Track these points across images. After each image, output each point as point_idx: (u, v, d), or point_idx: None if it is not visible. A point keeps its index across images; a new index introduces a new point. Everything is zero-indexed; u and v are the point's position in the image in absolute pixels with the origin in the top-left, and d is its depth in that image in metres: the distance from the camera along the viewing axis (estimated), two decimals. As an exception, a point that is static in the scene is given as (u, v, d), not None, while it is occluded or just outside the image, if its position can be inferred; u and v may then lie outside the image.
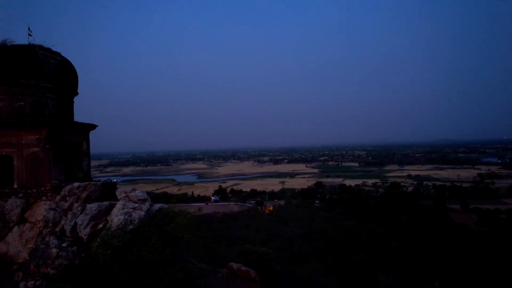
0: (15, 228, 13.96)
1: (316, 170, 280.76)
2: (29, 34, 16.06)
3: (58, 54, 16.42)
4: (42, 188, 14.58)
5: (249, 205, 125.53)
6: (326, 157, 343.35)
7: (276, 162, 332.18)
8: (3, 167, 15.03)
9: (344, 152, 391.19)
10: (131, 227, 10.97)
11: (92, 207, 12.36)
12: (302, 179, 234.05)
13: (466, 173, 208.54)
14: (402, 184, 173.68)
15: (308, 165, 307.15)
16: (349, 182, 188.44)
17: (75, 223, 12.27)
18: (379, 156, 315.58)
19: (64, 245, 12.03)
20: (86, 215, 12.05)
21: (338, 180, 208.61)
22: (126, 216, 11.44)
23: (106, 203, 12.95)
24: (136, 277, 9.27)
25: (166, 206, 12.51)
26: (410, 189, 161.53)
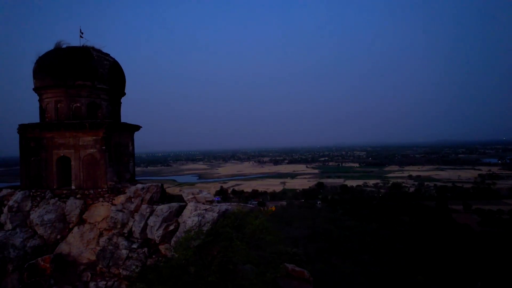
0: (75, 229, 14.33)
1: (316, 171, 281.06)
2: (81, 36, 16.13)
3: (109, 55, 16.58)
4: (99, 189, 14.74)
5: (251, 205, 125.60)
6: (326, 158, 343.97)
7: (277, 162, 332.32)
8: (61, 168, 15.52)
9: (344, 152, 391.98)
10: (205, 228, 11.35)
11: (163, 208, 12.58)
12: (303, 180, 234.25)
13: (467, 174, 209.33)
14: (403, 184, 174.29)
15: (308, 166, 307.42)
16: (350, 183, 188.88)
17: (145, 225, 12.56)
18: (379, 157, 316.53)
19: (134, 246, 12.23)
20: (158, 216, 12.29)
21: (339, 181, 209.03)
22: (200, 218, 11.62)
23: (175, 204, 13.17)
24: (224, 278, 9.72)
25: (230, 207, 12.93)
26: (412, 189, 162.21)
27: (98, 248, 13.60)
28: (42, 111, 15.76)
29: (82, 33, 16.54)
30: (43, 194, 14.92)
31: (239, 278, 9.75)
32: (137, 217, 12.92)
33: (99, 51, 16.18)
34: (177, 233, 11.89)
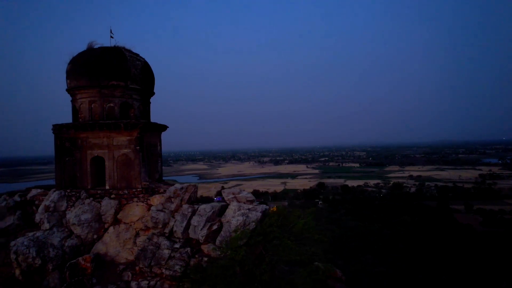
0: (111, 229, 14.37)
1: (317, 171, 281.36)
2: (111, 36, 16.17)
3: (139, 55, 16.61)
4: (133, 190, 14.79)
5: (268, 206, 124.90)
6: (326, 158, 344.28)
7: (277, 163, 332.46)
8: (94, 168, 15.57)
9: (344, 153, 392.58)
10: (249, 227, 11.41)
11: (206, 208, 12.61)
12: (303, 180, 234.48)
13: (467, 174, 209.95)
14: (404, 185, 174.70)
15: (308, 166, 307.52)
16: (351, 183, 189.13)
17: (187, 225, 12.68)
18: (379, 157, 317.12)
19: (176, 246, 12.26)
20: (201, 216, 12.35)
21: (340, 181, 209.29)
22: (244, 217, 11.68)
23: (217, 204, 13.23)
24: (276, 277, 9.80)
25: (267, 206, 13.00)
26: (413, 190, 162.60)
27: (136, 248, 13.68)
28: (76, 111, 15.82)
29: (112, 34, 16.63)
30: (78, 194, 15.00)
31: (292, 277, 9.83)
32: (178, 217, 12.98)
33: (130, 51, 16.24)
34: (222, 232, 11.96)
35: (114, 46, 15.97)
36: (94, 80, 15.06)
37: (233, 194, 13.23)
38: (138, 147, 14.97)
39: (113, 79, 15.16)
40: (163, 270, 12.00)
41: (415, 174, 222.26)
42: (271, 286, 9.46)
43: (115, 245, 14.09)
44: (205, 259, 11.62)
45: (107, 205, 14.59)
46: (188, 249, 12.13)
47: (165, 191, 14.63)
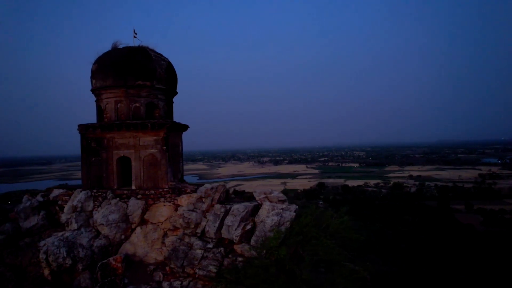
0: (138, 229, 14.36)
1: (317, 171, 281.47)
2: (134, 36, 16.17)
3: (162, 55, 16.56)
4: (160, 190, 14.78)
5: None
6: (326, 158, 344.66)
7: (276, 163, 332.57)
8: (120, 168, 15.55)
9: (343, 152, 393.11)
10: (283, 227, 11.48)
11: (239, 208, 12.63)
12: (303, 180, 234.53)
13: (467, 174, 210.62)
14: (404, 184, 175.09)
15: (308, 166, 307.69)
16: (351, 183, 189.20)
17: (221, 224, 12.67)
18: (379, 157, 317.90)
19: (209, 246, 12.27)
20: (235, 216, 12.37)
21: (340, 181, 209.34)
22: (279, 217, 11.71)
23: (249, 204, 13.25)
24: (317, 277, 9.86)
25: (296, 206, 13.04)
26: (413, 189, 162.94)
27: (164, 248, 13.70)
28: (100, 111, 15.84)
29: (135, 33, 16.63)
30: (104, 194, 15.01)
31: (332, 276, 9.88)
32: (210, 217, 13.00)
33: (154, 51, 16.25)
34: (256, 232, 12.00)
35: (139, 46, 15.96)
36: (120, 80, 15.06)
37: (265, 194, 13.27)
38: (164, 147, 15.00)
39: (139, 79, 15.17)
40: (196, 270, 12.02)
41: (415, 174, 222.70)
42: (312, 286, 9.51)
43: (143, 245, 14.09)
44: (240, 259, 11.65)
45: (134, 205, 14.61)
46: (222, 249, 12.15)
47: (192, 191, 14.67)
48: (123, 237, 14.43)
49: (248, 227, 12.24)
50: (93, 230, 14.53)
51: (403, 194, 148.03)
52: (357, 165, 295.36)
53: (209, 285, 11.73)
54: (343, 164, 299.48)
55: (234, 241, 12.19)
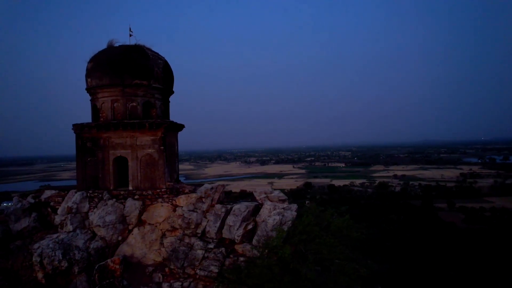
0: (135, 230, 14.12)
1: (303, 171, 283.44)
2: (130, 34, 15.85)
3: (159, 54, 16.33)
4: (158, 190, 14.59)
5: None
6: (312, 158, 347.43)
7: (263, 163, 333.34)
8: (117, 168, 15.21)
9: (329, 152, 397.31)
10: (285, 227, 11.50)
11: (241, 208, 12.57)
12: (290, 180, 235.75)
13: (449, 173, 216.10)
14: (389, 184, 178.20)
15: (295, 166, 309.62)
16: (337, 183, 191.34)
17: (222, 225, 12.57)
18: (365, 157, 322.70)
19: (210, 246, 12.19)
20: (236, 216, 12.29)
21: (326, 181, 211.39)
22: (280, 217, 11.72)
23: (250, 203, 13.19)
24: (321, 275, 9.91)
25: (297, 205, 13.08)
26: (398, 189, 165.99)
27: (163, 249, 13.54)
28: (96, 110, 15.51)
29: (131, 32, 16.36)
30: (100, 195, 14.71)
31: (337, 274, 9.97)
32: (211, 217, 12.90)
33: (150, 49, 16.02)
34: (258, 232, 11.98)
35: (136, 44, 15.71)
36: (117, 79, 14.77)
37: (265, 193, 13.28)
38: (162, 147, 14.80)
39: (136, 78, 14.92)
40: (197, 271, 11.92)
41: (399, 173, 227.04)
42: (316, 284, 9.57)
43: (141, 246, 13.88)
44: (241, 259, 11.61)
45: (131, 206, 14.37)
46: (223, 249, 12.08)
47: (190, 191, 14.53)
48: (120, 238, 14.18)
49: (250, 227, 12.21)
50: (89, 231, 14.22)
51: (388, 193, 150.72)
52: (343, 165, 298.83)
53: (210, 286, 11.65)
54: (329, 164, 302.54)
55: (236, 241, 12.14)
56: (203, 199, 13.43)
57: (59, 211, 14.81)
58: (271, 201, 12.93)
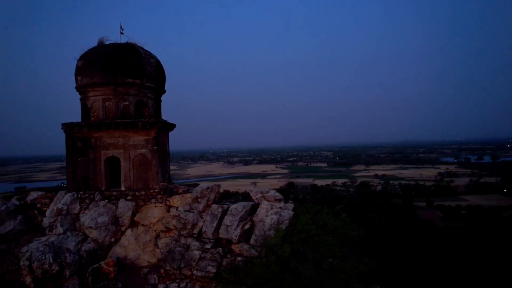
0: (128, 232, 13.86)
1: (286, 171, 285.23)
2: (121, 32, 15.54)
3: (151, 53, 16.09)
4: (151, 190, 14.40)
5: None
6: (295, 158, 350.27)
7: (246, 163, 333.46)
8: (108, 168, 14.88)
9: (312, 153, 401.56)
10: (283, 226, 11.50)
11: (238, 207, 12.54)
12: (273, 180, 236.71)
13: (428, 172, 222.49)
14: (370, 183, 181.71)
15: (278, 166, 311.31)
16: (320, 182, 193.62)
17: (219, 225, 12.47)
18: (346, 157, 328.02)
19: (207, 246, 12.09)
20: (234, 216, 12.25)
21: (309, 181, 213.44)
22: (277, 216, 11.73)
23: (247, 203, 13.19)
24: (320, 274, 10.01)
25: (293, 205, 13.15)
26: (379, 188, 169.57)
27: (157, 250, 13.36)
28: (87, 109, 15.13)
29: (122, 30, 16.06)
30: (91, 196, 14.37)
31: (336, 273, 10.12)
32: (207, 217, 12.81)
33: (143, 48, 15.78)
34: (256, 231, 11.98)
35: (128, 42, 15.43)
36: (109, 77, 14.46)
37: (261, 193, 13.32)
38: (155, 147, 14.60)
39: (129, 77, 14.66)
40: (194, 272, 11.82)
41: (380, 173, 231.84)
42: (316, 283, 9.69)
43: (135, 248, 13.65)
44: (239, 258, 11.59)
45: (124, 207, 14.10)
46: (220, 249, 12.03)
47: (184, 191, 14.41)
48: (112, 240, 13.88)
49: (247, 226, 12.22)
50: (80, 233, 13.85)
51: (370, 192, 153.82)
52: (325, 165, 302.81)
53: (207, 286, 11.59)
54: (312, 164, 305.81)
55: (233, 240, 12.12)
56: (199, 199, 13.34)
57: (47, 213, 14.37)
58: (267, 200, 12.98)
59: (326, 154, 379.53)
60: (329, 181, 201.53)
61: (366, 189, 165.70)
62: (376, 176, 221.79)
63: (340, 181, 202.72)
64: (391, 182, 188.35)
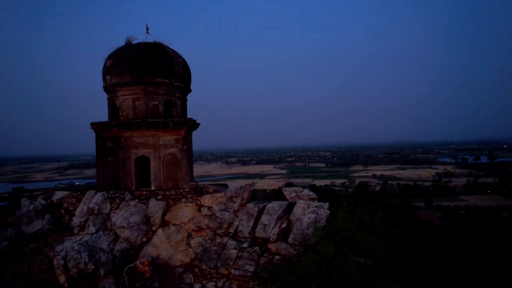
0: (159, 231, 13.88)
1: (284, 171, 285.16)
2: (147, 32, 15.56)
3: (178, 52, 16.07)
4: (181, 190, 14.45)
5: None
6: (293, 158, 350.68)
7: (244, 163, 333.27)
8: (138, 168, 14.89)
9: (310, 153, 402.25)
10: (320, 224, 11.55)
11: (275, 206, 12.60)
12: (272, 180, 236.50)
13: (426, 173, 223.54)
14: (369, 184, 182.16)
15: (276, 166, 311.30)
16: (318, 183, 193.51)
17: (255, 224, 12.54)
18: (344, 157, 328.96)
19: (244, 245, 12.17)
20: (271, 215, 12.31)
21: (307, 181, 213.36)
22: (315, 215, 11.85)
23: (283, 202, 13.24)
24: (363, 271, 10.12)
25: (327, 203, 13.21)
26: (377, 188, 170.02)
27: (190, 249, 13.39)
28: (116, 109, 15.13)
29: (148, 29, 16.07)
30: (122, 196, 14.38)
31: (379, 270, 10.20)
32: (243, 216, 12.87)
33: (170, 47, 15.81)
34: (294, 230, 12.05)
35: (155, 42, 15.46)
36: (139, 77, 14.47)
37: (296, 192, 13.41)
38: (185, 146, 14.64)
39: (158, 76, 14.69)
40: (231, 271, 11.87)
41: (378, 173, 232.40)
42: (361, 280, 9.78)
43: (167, 247, 13.67)
44: (277, 257, 11.66)
45: (155, 207, 14.13)
46: (257, 248, 12.09)
47: (214, 190, 14.47)
48: (144, 239, 13.90)
49: (284, 225, 12.29)
50: (111, 233, 13.86)
51: (368, 193, 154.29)
52: (323, 165, 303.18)
53: (245, 285, 11.65)
54: (310, 164, 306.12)
55: (271, 239, 12.18)
56: (234, 199, 13.39)
57: (77, 212, 14.35)
58: (302, 199, 13.06)
59: (324, 154, 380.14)
60: (327, 181, 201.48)
61: (365, 189, 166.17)
62: (374, 176, 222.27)
63: (338, 182, 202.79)
64: (389, 182, 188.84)
